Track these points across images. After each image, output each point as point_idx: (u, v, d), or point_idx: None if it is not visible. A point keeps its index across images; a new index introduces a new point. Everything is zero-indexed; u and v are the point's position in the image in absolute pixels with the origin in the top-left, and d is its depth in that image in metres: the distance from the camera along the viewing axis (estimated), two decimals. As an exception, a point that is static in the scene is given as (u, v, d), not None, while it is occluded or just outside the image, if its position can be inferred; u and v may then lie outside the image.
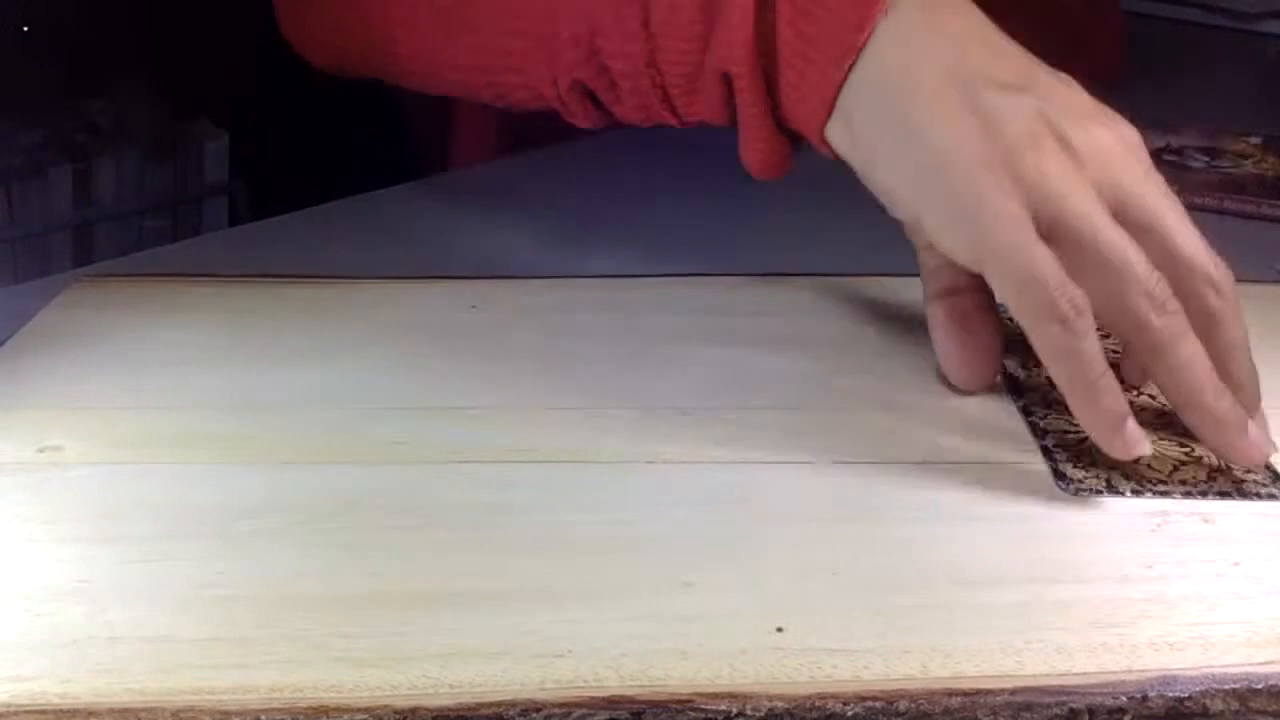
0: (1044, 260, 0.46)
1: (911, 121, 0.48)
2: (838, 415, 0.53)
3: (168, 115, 1.31)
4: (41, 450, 0.49)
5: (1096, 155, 0.48)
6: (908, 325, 0.61)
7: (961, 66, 0.48)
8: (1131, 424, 0.47)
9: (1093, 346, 0.47)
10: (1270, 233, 0.81)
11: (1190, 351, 0.47)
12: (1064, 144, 0.47)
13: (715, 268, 0.67)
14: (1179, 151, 0.92)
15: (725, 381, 0.55)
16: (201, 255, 0.77)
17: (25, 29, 1.17)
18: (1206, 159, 0.91)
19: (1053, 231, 0.47)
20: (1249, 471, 0.49)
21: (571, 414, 0.52)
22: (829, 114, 0.50)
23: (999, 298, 0.50)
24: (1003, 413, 0.54)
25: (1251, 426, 0.48)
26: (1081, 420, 0.48)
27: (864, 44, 0.48)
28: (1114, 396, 0.47)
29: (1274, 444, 0.48)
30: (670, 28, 0.54)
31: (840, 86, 0.49)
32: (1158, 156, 0.91)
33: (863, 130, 0.50)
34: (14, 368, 0.55)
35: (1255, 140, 0.95)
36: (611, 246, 0.74)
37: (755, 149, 0.55)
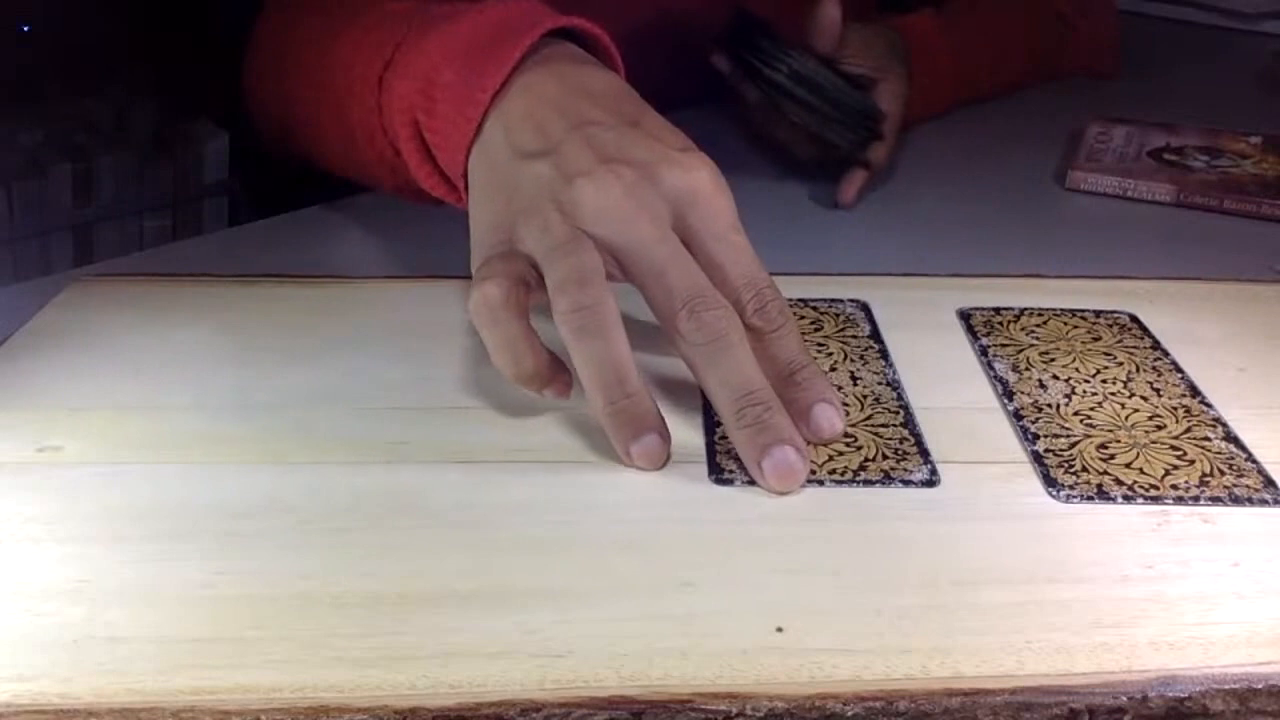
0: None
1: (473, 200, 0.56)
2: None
3: (168, 115, 1.31)
4: (41, 450, 0.49)
5: (597, 212, 0.50)
6: (906, 325, 0.61)
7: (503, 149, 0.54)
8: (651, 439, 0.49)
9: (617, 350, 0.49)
10: (1270, 233, 0.81)
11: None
12: (561, 208, 0.51)
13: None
14: (1179, 151, 0.92)
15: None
16: (201, 255, 0.77)
17: (25, 29, 1.17)
18: (1206, 159, 0.91)
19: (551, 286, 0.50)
20: (1242, 476, 0.49)
21: (571, 414, 0.52)
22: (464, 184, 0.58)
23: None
24: (998, 415, 0.54)
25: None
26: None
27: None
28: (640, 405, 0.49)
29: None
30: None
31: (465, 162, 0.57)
32: (1158, 156, 0.91)
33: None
34: (14, 368, 0.55)
35: (1255, 140, 0.95)
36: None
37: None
